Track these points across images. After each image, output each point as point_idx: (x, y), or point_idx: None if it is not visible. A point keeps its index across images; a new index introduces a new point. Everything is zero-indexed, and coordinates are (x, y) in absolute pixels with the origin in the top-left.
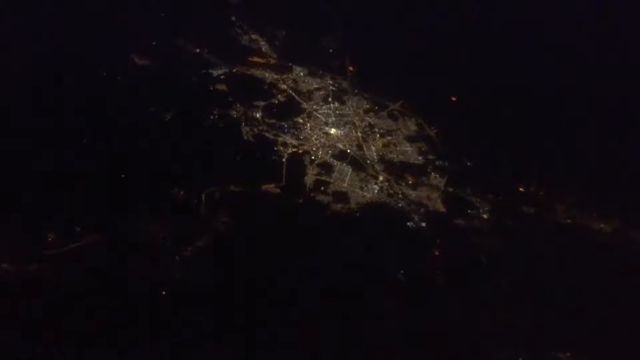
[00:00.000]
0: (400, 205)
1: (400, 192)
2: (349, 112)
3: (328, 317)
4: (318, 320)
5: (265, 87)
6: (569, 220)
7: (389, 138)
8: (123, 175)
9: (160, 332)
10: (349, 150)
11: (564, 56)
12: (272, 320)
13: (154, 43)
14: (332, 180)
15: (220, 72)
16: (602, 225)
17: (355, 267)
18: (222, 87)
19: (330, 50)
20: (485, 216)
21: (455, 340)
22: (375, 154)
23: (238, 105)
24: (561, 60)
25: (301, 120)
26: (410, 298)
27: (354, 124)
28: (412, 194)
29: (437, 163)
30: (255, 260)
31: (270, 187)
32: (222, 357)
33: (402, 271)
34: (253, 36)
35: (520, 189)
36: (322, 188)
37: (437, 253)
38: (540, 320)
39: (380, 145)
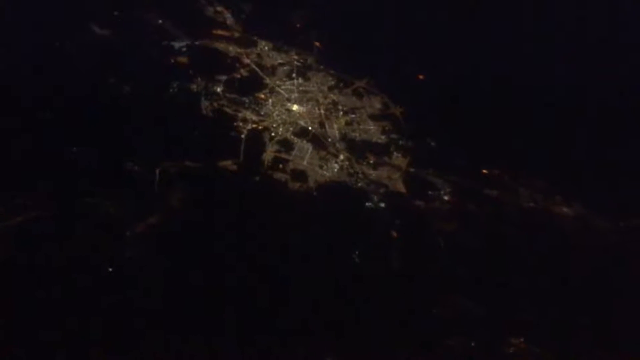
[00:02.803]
0: (359, 185)
1: (360, 171)
2: (313, 89)
3: (279, 296)
4: (269, 298)
5: (228, 61)
6: (531, 204)
7: (353, 116)
8: (74, 149)
9: (107, 309)
10: (310, 128)
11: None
12: (222, 298)
13: (115, 13)
14: (291, 158)
15: (182, 44)
16: (564, 209)
17: (310, 247)
18: (183, 59)
19: (298, 25)
20: (446, 198)
21: (407, 324)
22: (337, 132)
23: (199, 79)
24: (539, 47)
25: (263, 96)
26: (364, 280)
27: (317, 100)
28: (373, 173)
29: (400, 143)
30: (210, 237)
31: (227, 165)
32: (167, 333)
33: (357, 252)
34: (218, 8)
35: (484, 172)
36: (281, 166)
37: (395, 234)
38: (495, 306)
39: (343, 123)
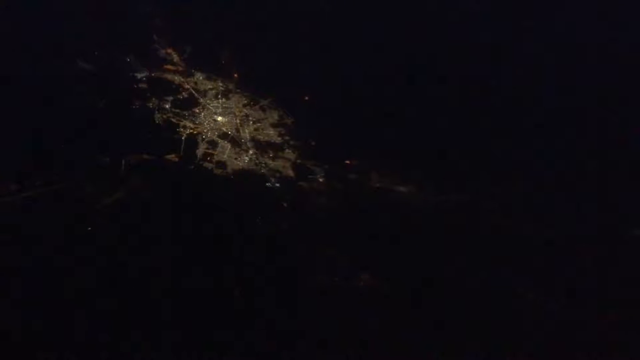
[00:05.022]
0: (262, 171)
1: (263, 162)
2: (232, 106)
3: (203, 255)
4: (195, 263)
5: (174, 86)
6: (378, 185)
7: (259, 124)
8: (62, 146)
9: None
10: (229, 132)
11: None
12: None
13: (95, 53)
14: (216, 153)
15: (142, 75)
16: (401, 189)
17: (229, 216)
18: (143, 85)
19: (223, 62)
20: (321, 180)
21: (274, 259)
22: (248, 135)
23: (153, 99)
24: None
25: (197, 111)
26: (262, 237)
27: (234, 114)
28: (272, 163)
29: (291, 143)
30: (157, 212)
31: (172, 157)
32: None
33: (260, 217)
34: (168, 50)
35: (347, 162)
36: (209, 158)
37: (285, 205)
38: (347, 247)
39: (252, 129)
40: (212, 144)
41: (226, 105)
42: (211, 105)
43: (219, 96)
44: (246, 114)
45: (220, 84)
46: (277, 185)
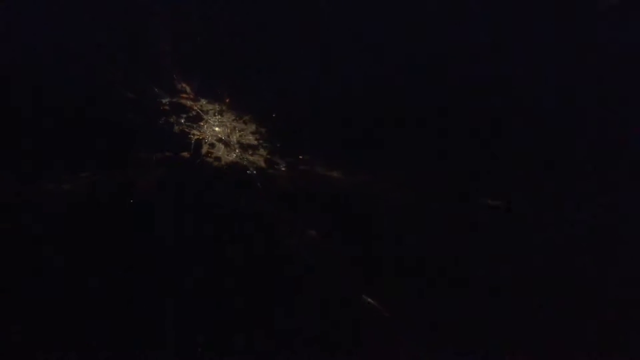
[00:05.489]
0: (244, 163)
1: (245, 157)
2: (225, 120)
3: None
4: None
5: (186, 108)
6: (324, 172)
7: (242, 132)
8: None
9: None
10: (223, 138)
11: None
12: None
13: (134, 88)
14: (214, 151)
15: (166, 100)
16: (333, 174)
17: (221, 192)
18: (166, 107)
19: (218, 92)
20: (283, 169)
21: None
22: (235, 140)
23: (173, 116)
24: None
25: (202, 123)
26: (243, 214)
27: (226, 125)
28: (251, 158)
29: (264, 145)
30: (172, 187)
31: (185, 154)
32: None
33: (242, 197)
34: (183, 84)
35: (300, 157)
36: (209, 155)
37: (259, 185)
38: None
39: (238, 136)
40: (212, 145)
41: (221, 120)
42: (211, 120)
43: (216, 114)
44: (234, 126)
45: (217, 107)
46: (254, 172)
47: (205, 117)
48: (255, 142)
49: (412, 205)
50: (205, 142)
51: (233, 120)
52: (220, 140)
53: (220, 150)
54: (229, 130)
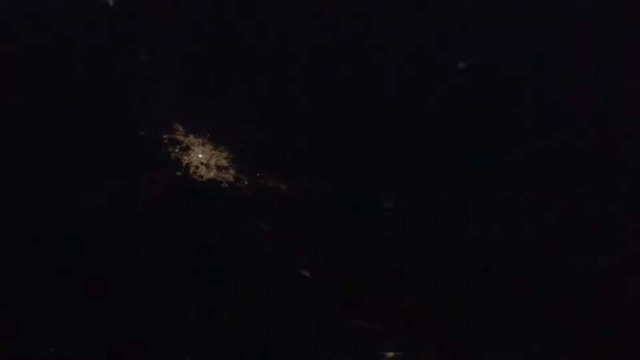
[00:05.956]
0: (219, 179)
1: (220, 175)
2: (206, 150)
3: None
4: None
5: (179, 142)
6: (272, 185)
7: (218, 158)
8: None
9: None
10: (204, 162)
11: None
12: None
13: (141, 133)
14: (198, 171)
15: (166, 136)
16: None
17: (205, 198)
18: (166, 141)
19: (202, 131)
20: (246, 182)
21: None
22: (213, 163)
23: (170, 147)
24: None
25: (190, 152)
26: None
27: (207, 153)
28: (224, 175)
29: (233, 166)
30: (169, 195)
31: (178, 173)
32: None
33: (219, 201)
34: (175, 125)
35: (258, 174)
36: (195, 174)
37: (230, 193)
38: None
39: (215, 160)
40: (197, 167)
41: (204, 149)
42: (197, 149)
43: (200, 145)
44: (212, 153)
45: (201, 140)
46: (226, 185)
47: (192, 147)
48: (227, 164)
49: None
50: (192, 165)
51: (212, 149)
52: (202, 163)
53: (202, 170)
54: (208, 157)
